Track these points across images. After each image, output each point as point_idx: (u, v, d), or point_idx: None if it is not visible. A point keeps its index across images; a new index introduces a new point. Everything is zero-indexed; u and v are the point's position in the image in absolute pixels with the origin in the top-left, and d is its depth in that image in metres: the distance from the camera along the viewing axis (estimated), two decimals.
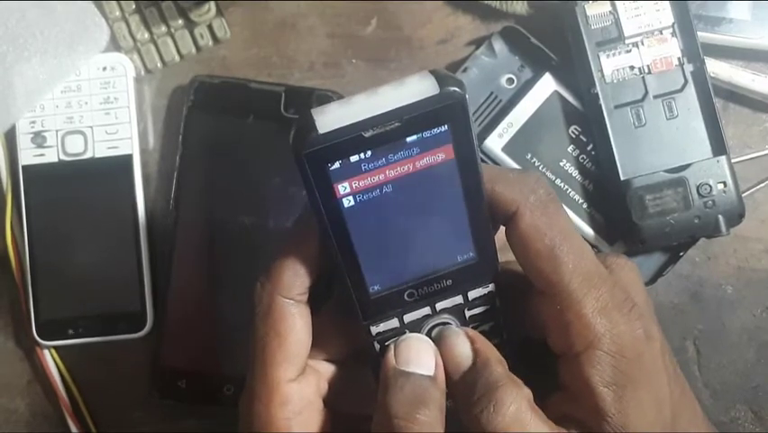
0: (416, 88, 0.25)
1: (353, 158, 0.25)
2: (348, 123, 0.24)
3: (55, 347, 0.46)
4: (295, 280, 0.29)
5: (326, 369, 0.32)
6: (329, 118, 0.24)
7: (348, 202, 0.26)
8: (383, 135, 0.25)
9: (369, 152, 0.25)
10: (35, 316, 0.45)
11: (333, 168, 0.25)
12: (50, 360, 0.46)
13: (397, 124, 0.24)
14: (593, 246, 0.43)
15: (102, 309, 0.45)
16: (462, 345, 0.29)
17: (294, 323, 0.29)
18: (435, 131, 0.25)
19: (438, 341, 0.29)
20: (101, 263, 0.45)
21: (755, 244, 0.46)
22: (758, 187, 0.45)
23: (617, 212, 0.42)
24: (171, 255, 0.45)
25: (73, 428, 0.46)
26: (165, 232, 0.45)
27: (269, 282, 0.29)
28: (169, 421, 0.46)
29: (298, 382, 0.29)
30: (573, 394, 0.28)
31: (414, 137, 0.25)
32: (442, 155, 0.26)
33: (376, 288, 0.28)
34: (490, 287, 0.30)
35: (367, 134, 0.24)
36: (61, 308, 0.45)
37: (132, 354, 0.46)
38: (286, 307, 0.29)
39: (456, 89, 0.24)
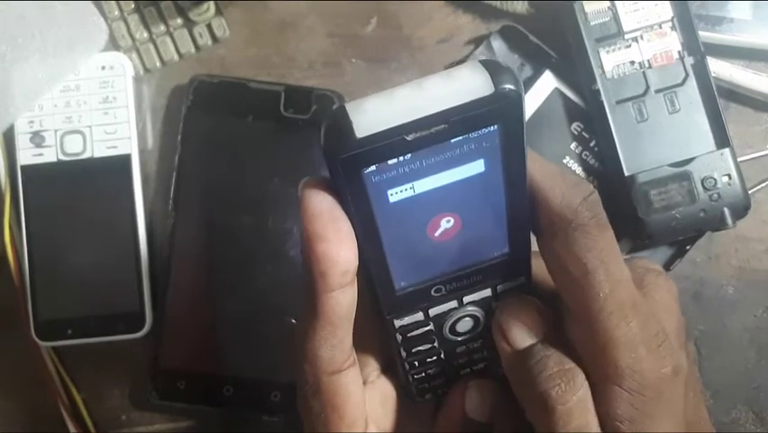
0: (468, 85, 0.22)
1: (391, 161, 0.23)
2: (390, 126, 0.22)
3: (54, 347, 0.46)
4: (333, 352, 0.26)
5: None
6: (368, 119, 0.22)
7: (381, 204, 0.24)
8: (427, 138, 0.22)
9: (409, 155, 0.23)
10: (34, 316, 0.45)
11: (368, 171, 0.23)
12: (49, 360, 0.46)
13: (443, 126, 0.22)
14: None
15: (101, 310, 0.45)
16: (537, 319, 0.28)
17: (348, 392, 0.27)
18: (484, 131, 0.23)
19: (506, 307, 0.28)
20: (100, 263, 0.45)
21: (757, 244, 0.46)
22: (759, 187, 0.45)
23: (622, 208, 0.42)
24: (170, 255, 0.44)
25: (72, 428, 0.45)
26: (164, 232, 0.45)
27: (307, 364, 0.27)
28: (168, 421, 0.46)
29: None
30: None
31: (459, 138, 0.23)
32: (487, 155, 0.24)
33: (402, 285, 0.27)
34: (521, 280, 0.29)
35: (409, 138, 0.22)
36: (60, 309, 0.45)
37: (131, 355, 0.46)
38: (335, 382, 0.27)
39: (512, 87, 0.22)
